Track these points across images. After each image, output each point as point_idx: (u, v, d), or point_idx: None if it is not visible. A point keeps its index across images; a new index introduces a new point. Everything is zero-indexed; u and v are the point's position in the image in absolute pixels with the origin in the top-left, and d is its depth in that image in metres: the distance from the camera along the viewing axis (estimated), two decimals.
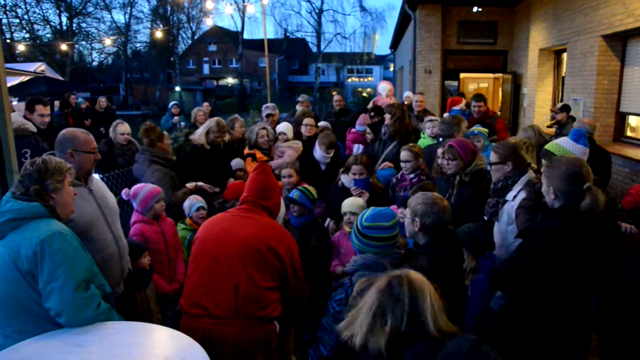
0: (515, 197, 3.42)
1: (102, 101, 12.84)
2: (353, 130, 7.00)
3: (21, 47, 31.14)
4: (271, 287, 2.90)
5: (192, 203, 4.58)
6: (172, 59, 45.02)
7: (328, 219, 4.98)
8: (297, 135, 6.50)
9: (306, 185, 4.10)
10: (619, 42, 7.98)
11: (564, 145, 3.57)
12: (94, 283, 2.60)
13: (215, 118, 5.72)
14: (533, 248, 2.69)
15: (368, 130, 6.62)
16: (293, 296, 3.08)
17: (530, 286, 2.71)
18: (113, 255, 3.27)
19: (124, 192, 4.18)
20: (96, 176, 4.11)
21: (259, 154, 5.86)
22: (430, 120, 6.09)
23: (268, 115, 7.12)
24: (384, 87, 8.06)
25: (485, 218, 3.79)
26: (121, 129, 6.26)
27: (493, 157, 3.68)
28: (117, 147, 6.20)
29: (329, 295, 2.50)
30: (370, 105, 7.81)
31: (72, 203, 2.76)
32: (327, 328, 2.44)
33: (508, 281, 2.83)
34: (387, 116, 6.04)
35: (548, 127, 8.57)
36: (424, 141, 6.04)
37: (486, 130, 5.87)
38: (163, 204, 4.19)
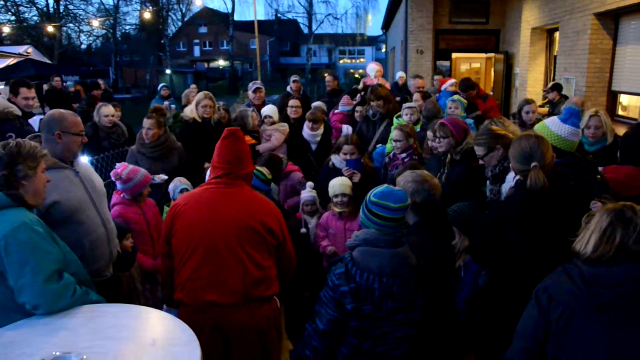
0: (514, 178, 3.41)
1: (101, 84, 12.46)
2: (336, 111, 6.97)
3: (6, 29, 30.55)
4: (271, 265, 2.86)
5: (176, 185, 4.53)
6: (162, 41, 44.45)
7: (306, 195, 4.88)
8: (284, 118, 6.47)
9: (258, 167, 3.99)
10: (611, 20, 7.92)
11: (549, 125, 3.44)
12: (68, 271, 2.53)
13: (203, 92, 5.68)
14: (490, 216, 2.86)
15: (358, 108, 6.63)
16: (284, 269, 3.02)
17: (495, 257, 2.79)
18: (101, 239, 3.22)
19: (113, 173, 4.12)
20: (84, 158, 4.06)
21: (247, 137, 5.80)
22: (409, 107, 6.05)
23: (256, 90, 7.03)
24: (372, 67, 8.05)
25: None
26: (105, 111, 6.13)
27: (478, 150, 3.71)
28: (102, 130, 6.09)
29: (329, 269, 2.47)
30: (360, 85, 7.83)
31: (43, 191, 2.65)
32: (324, 301, 2.42)
33: (478, 252, 2.94)
34: (379, 102, 6.02)
35: (540, 106, 8.54)
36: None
37: (465, 101, 6.11)
38: (149, 188, 4.20)
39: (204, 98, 5.61)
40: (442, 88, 7.90)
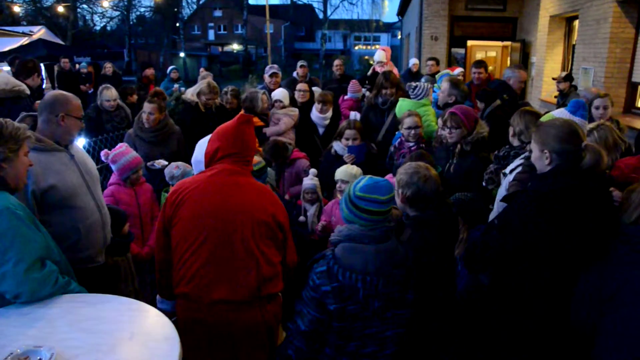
0: (512, 170, 3.25)
1: (108, 67, 12.30)
2: (346, 97, 6.80)
3: (17, 9, 30.59)
4: (280, 260, 2.72)
5: (172, 172, 4.37)
6: (176, 24, 44.37)
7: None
8: (291, 102, 6.32)
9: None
10: (634, 8, 7.62)
11: (558, 116, 3.36)
12: (50, 258, 2.41)
13: (206, 80, 5.54)
14: (521, 212, 2.48)
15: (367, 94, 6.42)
16: (288, 263, 2.87)
17: (513, 261, 2.52)
18: (96, 224, 3.12)
19: (103, 154, 4.08)
20: (81, 141, 3.95)
21: (255, 119, 5.67)
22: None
23: (272, 75, 6.91)
24: (380, 54, 7.83)
25: (483, 184, 3.64)
26: (107, 95, 6.01)
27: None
28: (105, 113, 5.97)
29: (310, 267, 2.33)
30: (370, 72, 7.70)
31: (25, 174, 2.52)
32: (306, 301, 2.29)
33: (483, 257, 2.64)
34: (392, 90, 5.81)
35: (555, 97, 8.33)
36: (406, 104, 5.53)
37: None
38: (140, 174, 4.13)
39: (208, 92, 5.49)
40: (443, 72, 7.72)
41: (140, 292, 3.74)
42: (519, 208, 2.50)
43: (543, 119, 3.42)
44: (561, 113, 3.26)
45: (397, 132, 5.46)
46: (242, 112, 5.69)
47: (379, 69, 7.47)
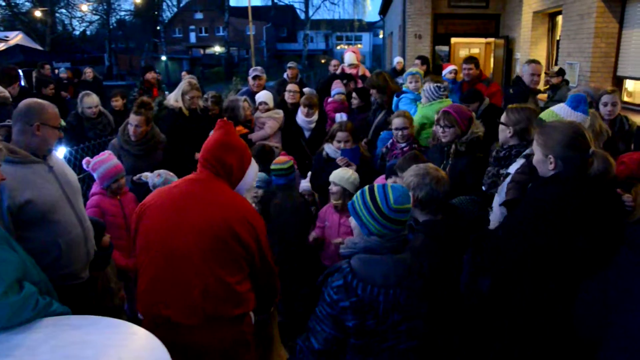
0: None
1: (88, 72, 11.93)
2: (330, 99, 6.68)
3: None
4: (240, 280, 2.49)
5: (153, 180, 4.22)
6: (157, 27, 43.97)
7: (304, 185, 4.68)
8: (281, 103, 6.19)
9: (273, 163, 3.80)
10: (618, 3, 7.63)
11: (560, 113, 3.20)
12: (28, 280, 2.27)
13: (185, 80, 5.38)
14: (522, 220, 2.37)
15: (354, 95, 6.34)
16: (262, 283, 2.66)
17: (515, 267, 2.40)
18: (78, 239, 2.97)
19: (85, 161, 3.94)
20: (62, 150, 3.78)
21: (239, 127, 5.54)
22: (411, 74, 5.79)
23: (255, 77, 6.70)
24: (350, 56, 7.88)
25: (484, 188, 3.53)
26: (87, 102, 5.78)
27: (503, 117, 3.40)
28: (87, 120, 5.78)
29: (324, 281, 2.18)
30: (339, 71, 7.75)
31: None
32: (321, 318, 2.13)
33: (490, 263, 2.54)
34: (373, 91, 5.85)
35: (543, 92, 8.31)
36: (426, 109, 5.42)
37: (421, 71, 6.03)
38: (122, 183, 3.96)
39: (190, 89, 5.27)
40: (442, 74, 7.67)
41: (122, 310, 3.59)
42: (522, 216, 2.39)
43: (543, 115, 3.31)
44: (562, 109, 3.12)
45: (382, 132, 5.41)
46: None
47: (348, 71, 7.45)
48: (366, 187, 2.22)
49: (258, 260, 2.54)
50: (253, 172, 2.75)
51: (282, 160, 4.24)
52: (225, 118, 4.91)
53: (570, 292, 2.36)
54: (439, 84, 5.10)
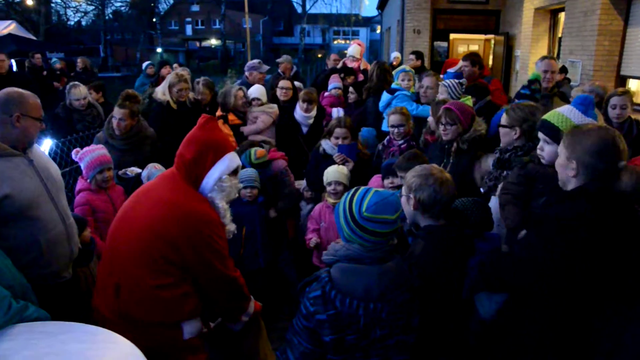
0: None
1: (80, 61, 11.33)
2: (326, 94, 6.52)
3: None
4: (164, 284, 2.36)
5: (151, 172, 4.09)
6: (153, 19, 43.65)
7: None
8: (274, 99, 6.00)
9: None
10: (623, 0, 7.48)
11: (570, 117, 2.81)
12: (1, 282, 2.10)
13: (173, 72, 5.22)
14: (543, 241, 2.10)
15: (351, 90, 6.19)
16: (211, 291, 2.53)
17: (534, 292, 2.15)
18: (60, 236, 2.82)
19: (75, 152, 3.83)
20: (47, 142, 3.62)
21: (231, 117, 5.36)
22: (404, 72, 5.63)
23: (253, 68, 6.52)
24: (355, 48, 7.74)
25: (482, 190, 3.37)
26: (75, 94, 5.57)
27: (503, 118, 3.22)
28: (76, 112, 5.57)
29: (302, 290, 2.02)
30: (339, 65, 7.56)
31: None
32: (297, 330, 1.98)
33: (504, 282, 2.31)
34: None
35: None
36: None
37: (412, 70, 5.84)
38: (108, 175, 3.83)
39: (177, 81, 5.09)
40: (448, 70, 7.50)
41: None
42: (541, 235, 2.14)
43: (547, 116, 3.07)
44: (572, 112, 2.84)
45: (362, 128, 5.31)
46: (218, 111, 5.42)
47: (349, 64, 7.27)
48: (354, 188, 2.06)
49: (200, 267, 2.43)
50: (219, 171, 2.53)
51: (260, 154, 4.23)
52: (218, 105, 4.79)
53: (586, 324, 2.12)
54: (460, 80, 4.93)
